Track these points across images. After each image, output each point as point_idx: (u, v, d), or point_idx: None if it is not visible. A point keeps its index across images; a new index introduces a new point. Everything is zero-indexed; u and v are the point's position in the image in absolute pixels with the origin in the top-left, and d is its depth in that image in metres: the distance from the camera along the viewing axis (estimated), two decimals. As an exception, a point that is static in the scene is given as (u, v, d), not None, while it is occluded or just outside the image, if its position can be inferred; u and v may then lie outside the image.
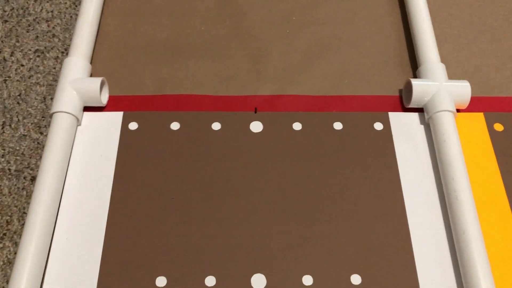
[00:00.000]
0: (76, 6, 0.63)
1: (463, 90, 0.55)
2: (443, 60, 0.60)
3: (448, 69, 0.59)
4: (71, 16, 0.63)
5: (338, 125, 0.56)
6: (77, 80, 0.54)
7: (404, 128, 0.56)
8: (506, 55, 0.61)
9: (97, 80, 0.54)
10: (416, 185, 0.52)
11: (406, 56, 0.61)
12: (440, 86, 0.54)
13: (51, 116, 0.53)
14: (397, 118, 0.56)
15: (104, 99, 0.56)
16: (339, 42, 0.62)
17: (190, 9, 0.64)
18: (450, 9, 0.64)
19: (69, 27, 0.62)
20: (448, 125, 0.52)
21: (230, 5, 0.65)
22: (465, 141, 0.55)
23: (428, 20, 0.60)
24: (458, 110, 0.57)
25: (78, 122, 0.55)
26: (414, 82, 0.55)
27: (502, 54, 0.61)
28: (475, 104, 0.57)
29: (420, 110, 0.57)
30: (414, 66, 0.60)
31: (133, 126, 0.55)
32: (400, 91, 0.58)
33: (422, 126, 0.56)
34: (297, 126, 0.56)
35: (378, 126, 0.56)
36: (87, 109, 0.56)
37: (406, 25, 0.63)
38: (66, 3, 0.64)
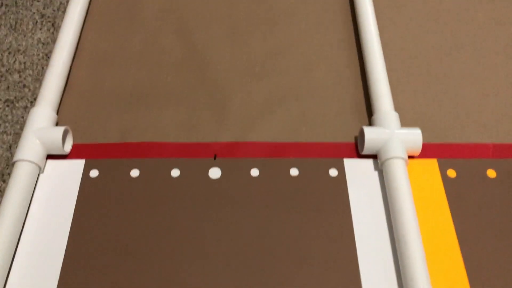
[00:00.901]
0: (48, 57, 0.66)
1: (414, 137, 0.56)
2: (397, 107, 0.62)
3: (402, 116, 0.61)
4: (42, 67, 0.66)
5: (294, 171, 0.57)
6: (41, 130, 0.56)
7: (359, 174, 0.57)
8: (459, 102, 0.63)
9: (60, 129, 0.56)
10: (368, 231, 0.53)
11: (363, 104, 0.63)
12: (392, 134, 0.56)
13: (13, 164, 0.54)
14: (352, 164, 0.58)
15: (67, 147, 0.58)
16: (299, 91, 0.64)
17: (158, 60, 0.67)
18: (407, 59, 0.67)
19: (40, 78, 0.64)
20: (399, 172, 0.54)
21: (196, 57, 0.68)
22: (418, 187, 0.56)
23: (383, 70, 0.62)
24: (412, 157, 0.58)
25: (41, 170, 0.56)
26: (367, 129, 0.56)
27: (456, 101, 0.63)
28: (429, 150, 0.59)
29: (374, 157, 0.58)
30: (370, 114, 0.62)
31: (94, 173, 0.57)
32: (356, 138, 0.60)
33: (376, 172, 0.57)
34: (254, 172, 0.57)
35: (333, 172, 0.57)
36: (51, 157, 0.58)
37: (363, 75, 0.65)
38: (39, 54, 0.67)
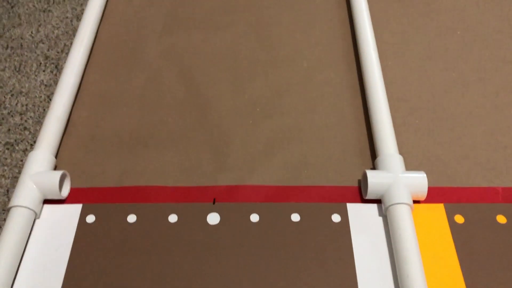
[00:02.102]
0: (50, 99, 0.66)
1: (419, 181, 0.54)
2: (402, 149, 0.60)
3: (406, 158, 0.59)
4: (44, 109, 0.66)
5: (295, 217, 0.55)
6: (38, 174, 0.56)
7: (362, 219, 0.55)
8: (466, 145, 0.61)
9: (58, 174, 0.55)
10: (372, 279, 0.51)
11: (367, 146, 0.62)
12: (396, 178, 0.54)
13: (9, 210, 0.53)
14: (355, 210, 0.56)
15: (64, 192, 0.57)
16: (300, 132, 0.63)
17: (159, 101, 0.67)
18: (411, 98, 0.66)
19: (41, 120, 0.64)
20: (404, 219, 0.52)
21: (197, 97, 0.67)
22: (424, 233, 0.54)
23: (386, 111, 0.61)
24: (418, 201, 0.56)
25: (36, 215, 0.55)
26: (370, 173, 0.55)
27: (462, 143, 0.62)
28: (435, 195, 0.57)
29: (378, 201, 0.56)
30: (374, 156, 0.60)
31: (90, 219, 0.56)
32: (359, 181, 0.58)
33: (380, 218, 0.55)
34: (254, 217, 0.55)
35: (336, 218, 0.55)
36: (48, 201, 0.57)
37: (367, 115, 0.64)
38: (41, 96, 0.67)
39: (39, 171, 0.56)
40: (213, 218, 0.55)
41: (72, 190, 0.58)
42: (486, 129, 0.63)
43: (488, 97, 0.66)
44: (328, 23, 0.75)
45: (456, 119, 0.64)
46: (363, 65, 0.66)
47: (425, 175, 0.55)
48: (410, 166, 0.59)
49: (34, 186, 0.55)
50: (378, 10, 0.76)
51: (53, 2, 0.77)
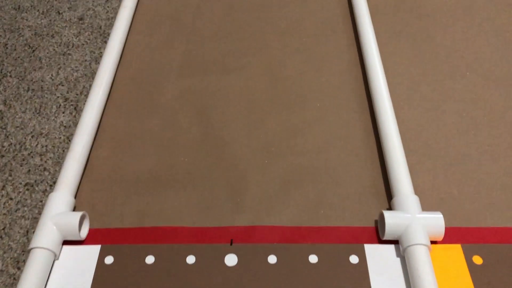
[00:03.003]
0: (69, 140, 0.68)
1: (436, 222, 0.55)
2: (417, 189, 0.61)
3: (423, 199, 0.60)
4: (63, 150, 0.67)
5: (313, 258, 0.55)
6: (58, 215, 0.57)
7: (380, 261, 0.55)
8: (482, 183, 0.62)
9: (77, 216, 0.56)
10: (393, 325, 0.50)
11: (382, 186, 0.62)
12: (413, 219, 0.55)
13: (29, 251, 0.54)
14: (373, 251, 0.56)
15: (83, 233, 0.58)
16: (316, 171, 0.64)
17: (176, 142, 0.68)
18: (424, 139, 0.67)
19: (60, 161, 0.66)
20: (423, 260, 0.52)
21: (214, 138, 0.69)
22: (443, 275, 0.54)
23: (401, 151, 0.62)
24: (435, 242, 0.56)
25: (56, 256, 0.56)
26: (387, 214, 0.55)
27: (477, 182, 0.62)
28: (452, 235, 0.57)
29: (396, 242, 0.56)
30: (390, 196, 0.61)
31: (109, 260, 0.56)
32: (376, 221, 0.59)
33: (398, 259, 0.55)
34: (272, 259, 0.56)
35: (354, 259, 0.55)
36: (67, 242, 0.58)
37: (381, 155, 0.65)
38: (60, 137, 0.68)
39: (59, 212, 0.57)
40: (231, 260, 0.56)
41: (90, 231, 0.59)
42: (500, 169, 0.63)
43: (500, 138, 0.67)
44: (339, 64, 0.77)
45: (470, 159, 0.65)
46: (376, 106, 0.68)
47: (441, 215, 0.55)
48: (426, 206, 0.60)
49: (54, 227, 0.56)
50: (388, 52, 0.78)
51: (73, 46, 0.80)
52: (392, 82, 0.73)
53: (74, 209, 0.61)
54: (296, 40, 0.81)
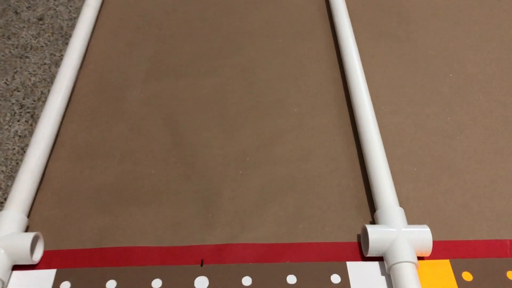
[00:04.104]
0: (24, 151, 0.62)
1: (423, 236, 0.51)
2: (402, 200, 0.57)
3: (407, 210, 0.56)
4: (17, 163, 0.61)
5: (291, 279, 0.51)
6: (7, 237, 0.50)
7: (364, 280, 0.51)
8: (469, 192, 0.58)
9: (29, 237, 0.50)
10: None
11: (364, 197, 0.58)
12: (399, 233, 0.50)
13: (-28, 279, 0.48)
14: (355, 269, 0.51)
15: (36, 256, 0.52)
16: (294, 182, 0.59)
17: (143, 152, 0.63)
18: (408, 146, 0.63)
19: (14, 175, 0.60)
20: (409, 278, 0.48)
21: (183, 147, 0.63)
22: (432, 294, 0.50)
23: (383, 160, 0.58)
24: (422, 258, 0.52)
25: (4, 284, 0.50)
26: (370, 229, 0.51)
27: (465, 190, 0.58)
28: (440, 250, 0.53)
29: (380, 259, 0.52)
30: (372, 207, 0.57)
31: (65, 286, 0.50)
32: (359, 236, 0.54)
33: (383, 277, 0.51)
34: (246, 281, 0.51)
35: (336, 278, 0.51)
36: (17, 267, 0.51)
37: (362, 163, 0.61)
38: (14, 148, 0.62)
39: (8, 233, 0.51)
40: (202, 283, 0.51)
41: (45, 253, 0.53)
42: (488, 176, 0.60)
43: (487, 142, 0.63)
44: (317, 67, 0.73)
45: (455, 165, 0.61)
46: (356, 111, 0.64)
47: (428, 229, 0.51)
48: (410, 218, 0.56)
49: (2, 251, 0.50)
50: (368, 54, 0.74)
51: (31, 48, 0.74)
52: (373, 85, 0.69)
53: (27, 229, 0.55)
54: (272, 42, 0.77)
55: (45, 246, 0.53)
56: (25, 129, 0.64)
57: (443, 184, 0.59)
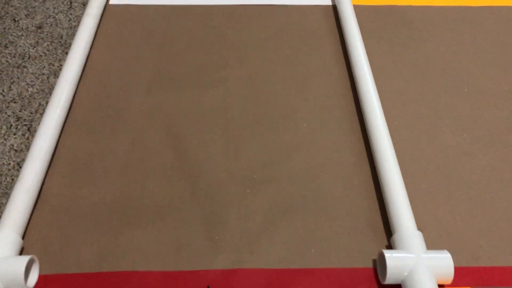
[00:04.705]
0: (20, 167, 0.59)
1: (444, 263, 0.48)
2: (419, 222, 0.54)
3: (425, 233, 0.53)
4: (12, 179, 0.58)
5: (304, 307, 0.48)
6: (0, 261, 0.47)
7: (381, 309, 0.48)
8: (488, 216, 0.55)
9: (23, 261, 0.47)
10: None
11: (379, 219, 0.55)
12: (418, 259, 0.47)
13: (-39, 307, 0.45)
14: (372, 297, 0.48)
15: (31, 281, 0.48)
16: (304, 201, 0.56)
17: (144, 167, 0.60)
18: (423, 164, 0.60)
19: (9, 191, 0.56)
20: (432, 310, 0.44)
21: (187, 162, 0.60)
22: (454, 326, 0.47)
23: (400, 181, 0.55)
24: (442, 285, 0.49)
25: (-5, 312, 0.46)
26: (388, 255, 0.48)
27: (483, 214, 0.55)
28: (462, 277, 0.50)
29: (399, 286, 0.49)
30: (388, 229, 0.54)
31: (61, 314, 0.47)
32: (375, 262, 0.51)
33: (402, 307, 0.48)
34: (256, 309, 0.48)
35: (351, 307, 0.48)
36: (10, 292, 0.48)
37: (376, 181, 0.58)
38: (9, 163, 0.59)
39: (1, 256, 0.48)
40: (208, 311, 0.47)
41: (40, 278, 0.49)
42: (509, 197, 0.57)
43: (507, 161, 0.60)
44: (326, 78, 0.70)
45: (474, 185, 0.58)
46: (369, 127, 0.61)
47: (449, 255, 0.48)
48: (429, 241, 0.53)
49: (-6, 276, 0.46)
50: (378, 66, 0.72)
51: (29, 58, 0.71)
52: (384, 98, 0.67)
53: (22, 252, 0.52)
54: (279, 52, 0.74)
55: (40, 270, 0.50)
56: (21, 143, 0.61)
57: (463, 206, 0.56)
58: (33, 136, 0.63)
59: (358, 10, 0.80)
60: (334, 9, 0.82)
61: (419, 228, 0.52)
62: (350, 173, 0.59)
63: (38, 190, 0.56)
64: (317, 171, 0.59)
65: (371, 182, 0.58)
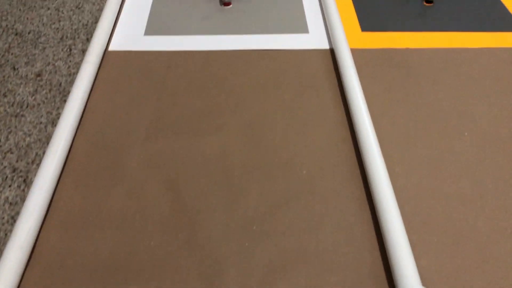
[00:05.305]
0: (14, 221, 0.58)
1: (451, 322, 0.46)
2: (423, 276, 0.52)
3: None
4: (6, 234, 0.57)
5: None
6: (-11, 325, 0.46)
7: None
8: (499, 268, 0.53)
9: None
10: None
11: (382, 272, 0.53)
12: (424, 319, 0.46)
13: None
14: None
15: None
16: (305, 254, 0.55)
17: (141, 220, 0.59)
18: (425, 212, 0.59)
19: (2, 248, 0.55)
20: None
21: (185, 213, 0.59)
22: None
23: (402, 232, 0.53)
24: None
25: None
26: (392, 314, 0.46)
27: (492, 267, 0.54)
28: (470, 335, 0.48)
29: None
30: (392, 283, 0.52)
31: None
32: (378, 319, 0.49)
33: None
34: None
35: None
36: None
37: (378, 231, 0.57)
38: (3, 217, 0.59)
39: (-8, 320, 0.46)
40: None
41: None
42: (515, 247, 0.55)
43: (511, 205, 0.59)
44: (325, 123, 0.70)
45: (480, 235, 0.57)
46: (369, 174, 0.60)
47: (457, 313, 0.46)
48: (434, 296, 0.51)
49: None
50: (377, 111, 0.71)
51: (27, 106, 0.71)
52: (384, 143, 0.66)
53: (13, 313, 0.50)
54: (278, 97, 0.74)
55: (31, 332, 0.48)
56: (16, 195, 0.60)
57: (468, 258, 0.54)
58: (28, 187, 0.62)
59: (356, 53, 0.80)
60: (332, 53, 0.82)
61: (423, 282, 0.51)
62: (351, 222, 0.58)
63: (32, 246, 0.55)
64: (318, 221, 0.58)
65: (373, 232, 0.57)
